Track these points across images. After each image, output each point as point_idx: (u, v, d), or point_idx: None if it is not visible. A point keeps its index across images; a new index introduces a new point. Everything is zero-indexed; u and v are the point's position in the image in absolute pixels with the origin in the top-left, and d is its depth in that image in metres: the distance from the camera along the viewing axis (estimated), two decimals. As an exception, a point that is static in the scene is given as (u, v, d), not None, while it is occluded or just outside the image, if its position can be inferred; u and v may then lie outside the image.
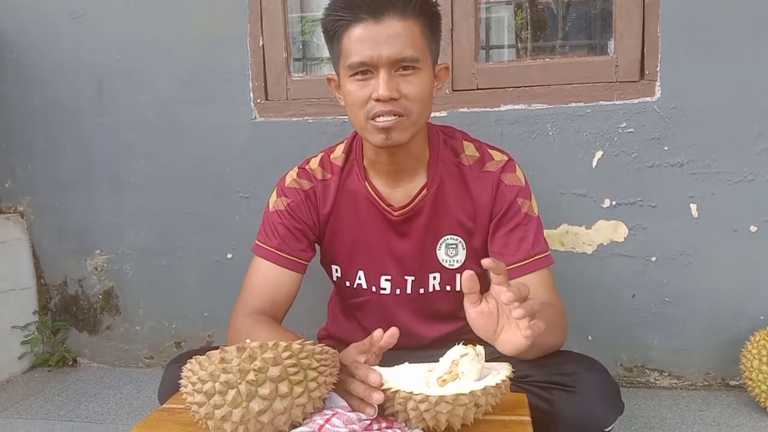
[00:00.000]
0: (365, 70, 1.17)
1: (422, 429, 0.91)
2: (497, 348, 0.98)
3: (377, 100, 1.16)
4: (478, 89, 1.97)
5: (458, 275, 1.37)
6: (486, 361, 0.96)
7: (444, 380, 0.93)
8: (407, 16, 1.15)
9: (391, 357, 1.04)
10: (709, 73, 1.82)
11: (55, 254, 2.37)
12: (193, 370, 0.88)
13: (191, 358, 0.90)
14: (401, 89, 1.17)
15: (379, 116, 1.17)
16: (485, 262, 0.92)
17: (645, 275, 1.93)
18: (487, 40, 3.08)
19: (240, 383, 0.83)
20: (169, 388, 1.18)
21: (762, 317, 1.87)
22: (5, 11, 2.25)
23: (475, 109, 1.96)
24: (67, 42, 2.22)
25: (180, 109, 2.16)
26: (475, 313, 0.99)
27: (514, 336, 0.94)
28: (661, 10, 1.82)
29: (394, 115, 1.17)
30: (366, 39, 1.15)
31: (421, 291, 1.39)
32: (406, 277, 1.39)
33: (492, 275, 0.94)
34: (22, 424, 1.89)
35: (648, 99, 1.86)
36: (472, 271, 0.96)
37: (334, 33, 1.20)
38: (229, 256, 2.19)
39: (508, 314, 0.96)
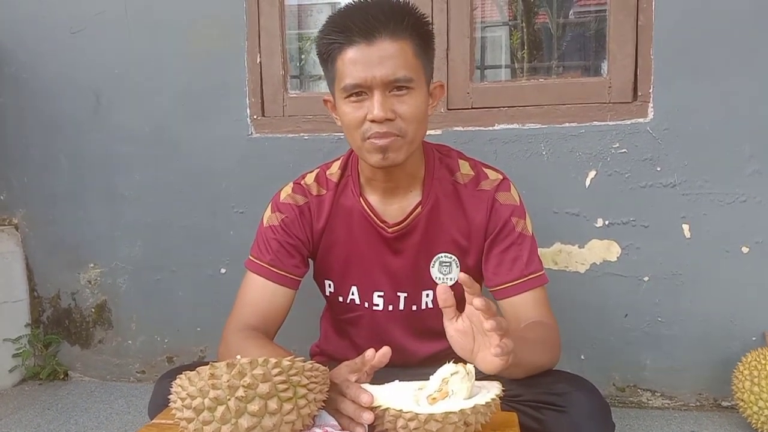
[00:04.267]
0: (360, 91, 1.18)
1: (411, 447, 0.91)
2: (478, 368, 0.98)
3: (372, 121, 1.17)
4: (472, 108, 1.98)
5: (454, 303, 1.37)
6: (476, 379, 0.96)
7: (434, 398, 0.93)
8: (399, 37, 1.16)
9: (382, 374, 1.04)
10: (701, 95, 1.84)
11: (49, 267, 2.36)
12: (182, 385, 0.87)
13: (181, 373, 0.90)
14: (396, 109, 1.17)
15: (375, 137, 1.18)
16: (461, 276, 0.93)
17: (637, 295, 1.93)
18: (482, 60, 3.11)
19: (229, 399, 0.83)
20: (160, 403, 1.17)
21: (754, 338, 1.88)
22: (4, 24, 2.27)
23: (470, 128, 1.97)
24: (65, 56, 2.23)
25: (176, 124, 2.17)
26: (453, 330, 1.00)
27: (491, 357, 0.95)
28: (654, 33, 1.85)
29: (390, 137, 1.18)
30: (359, 61, 1.16)
31: (414, 308, 1.39)
32: (398, 294, 1.39)
33: (465, 288, 0.95)
34: (11, 438, 1.88)
35: (641, 120, 1.88)
36: (445, 285, 0.98)
37: (327, 56, 1.21)
38: (223, 271, 2.19)
39: (483, 333, 0.96)
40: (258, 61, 2.10)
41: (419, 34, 1.20)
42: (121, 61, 2.19)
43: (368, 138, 1.19)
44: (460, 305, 1.01)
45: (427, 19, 1.23)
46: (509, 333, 0.94)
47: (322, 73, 1.29)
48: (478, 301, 0.90)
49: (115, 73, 2.20)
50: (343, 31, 1.17)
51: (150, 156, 2.21)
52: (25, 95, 2.29)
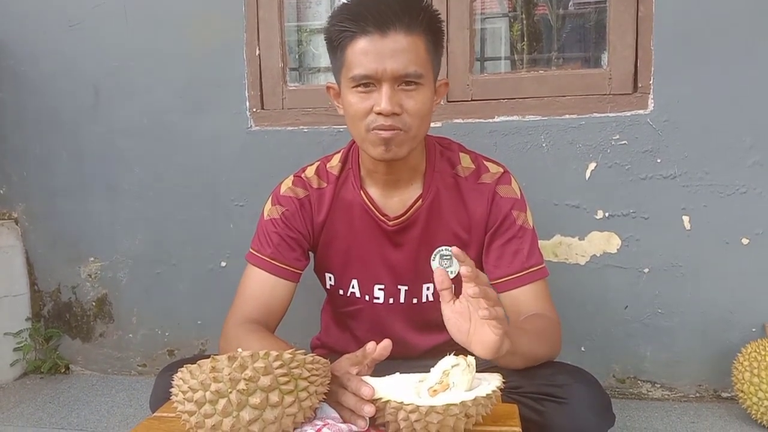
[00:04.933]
0: (368, 82, 1.17)
1: (412, 439, 0.91)
2: (476, 353, 0.98)
3: (379, 113, 1.16)
4: (472, 100, 1.98)
5: (452, 286, 1.37)
6: (477, 371, 0.97)
7: (435, 390, 0.93)
8: (413, 32, 1.16)
9: (383, 366, 1.04)
10: (701, 86, 1.84)
11: (49, 261, 2.36)
12: (183, 378, 0.87)
13: (183, 366, 0.90)
14: (403, 104, 1.17)
15: (379, 129, 1.18)
16: (463, 270, 0.94)
17: (637, 287, 1.93)
18: (482, 52, 3.10)
19: (231, 392, 0.83)
20: (161, 396, 1.17)
21: (753, 329, 1.88)
22: (3, 18, 2.26)
23: (470, 120, 1.97)
24: (63, 50, 2.22)
25: (175, 118, 2.17)
26: (449, 312, 0.99)
27: (487, 335, 0.95)
28: (655, 24, 1.84)
29: (394, 130, 1.17)
30: (371, 52, 1.15)
31: (414, 301, 1.39)
32: (399, 287, 1.39)
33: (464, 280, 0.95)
34: (13, 431, 1.88)
35: (641, 111, 1.87)
36: (441, 268, 0.97)
37: (338, 43, 1.20)
38: (223, 264, 2.19)
39: (478, 312, 0.96)
40: (257, 53, 2.10)
41: (432, 30, 1.20)
42: (119, 54, 2.18)
43: (372, 129, 1.18)
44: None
45: (440, 16, 1.23)
46: (499, 304, 0.94)
47: (321, 66, 1.28)
48: (472, 290, 0.91)
49: (114, 66, 2.19)
50: (356, 19, 1.15)
51: (149, 149, 2.20)
52: (24, 89, 2.28)
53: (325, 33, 1.24)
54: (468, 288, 0.92)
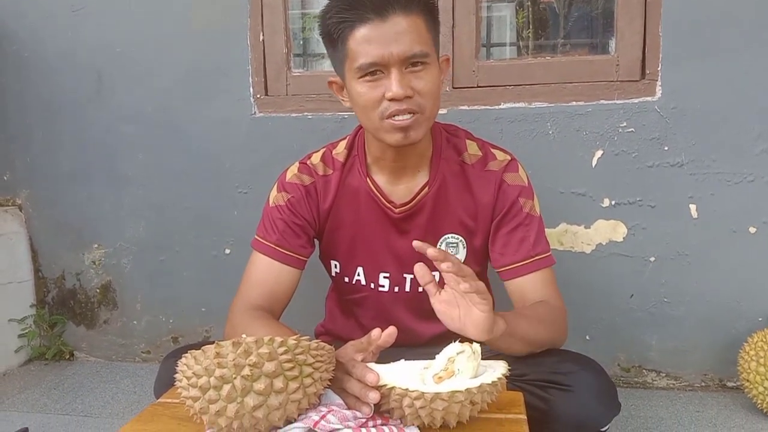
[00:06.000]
0: (375, 70, 1.15)
1: (418, 426, 0.91)
2: (471, 337, 0.98)
3: (391, 99, 1.14)
4: (478, 87, 1.96)
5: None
6: (482, 359, 0.96)
7: (440, 377, 0.92)
8: (411, 12, 1.14)
9: (388, 354, 1.03)
10: (710, 74, 1.82)
11: (53, 248, 2.36)
12: (188, 364, 0.87)
13: (187, 352, 0.89)
14: (414, 86, 1.15)
15: (395, 115, 1.16)
16: (430, 252, 0.94)
17: (643, 275, 1.93)
18: (488, 38, 3.07)
19: (235, 378, 0.83)
20: (165, 382, 1.17)
21: (760, 318, 1.87)
22: (6, 3, 2.24)
23: (476, 107, 1.95)
24: (67, 34, 2.21)
25: (179, 104, 2.16)
26: (438, 304, 1.00)
27: (476, 315, 0.96)
28: (663, 10, 1.82)
29: (410, 113, 1.16)
30: (374, 39, 1.13)
31: (420, 290, 1.37)
32: (404, 275, 1.38)
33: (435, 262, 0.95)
34: (18, 417, 1.88)
35: (649, 99, 1.86)
36: (421, 263, 0.98)
37: (338, 35, 1.17)
38: (228, 251, 2.19)
39: (463, 295, 0.97)
40: (261, 39, 2.08)
41: (428, 7, 1.19)
42: (122, 39, 2.17)
43: (387, 117, 1.16)
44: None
45: None
46: (476, 280, 0.95)
47: (326, 52, 1.26)
48: (445, 265, 0.91)
49: (117, 52, 2.18)
50: (353, 8, 1.13)
51: (153, 136, 2.19)
52: (28, 74, 2.27)
53: (322, 28, 1.21)
54: (442, 264, 0.92)
